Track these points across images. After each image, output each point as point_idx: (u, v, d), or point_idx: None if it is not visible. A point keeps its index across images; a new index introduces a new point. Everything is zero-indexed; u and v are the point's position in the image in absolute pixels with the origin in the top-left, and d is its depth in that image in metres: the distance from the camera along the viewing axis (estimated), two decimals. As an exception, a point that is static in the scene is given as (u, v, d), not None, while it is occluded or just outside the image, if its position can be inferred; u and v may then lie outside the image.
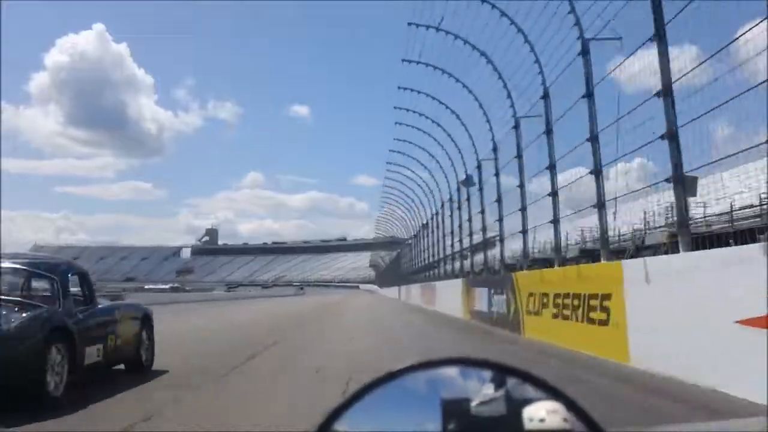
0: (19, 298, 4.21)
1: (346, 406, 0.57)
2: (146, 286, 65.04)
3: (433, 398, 0.56)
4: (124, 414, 3.69)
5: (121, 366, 5.19)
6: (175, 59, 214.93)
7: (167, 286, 64.11)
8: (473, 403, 0.56)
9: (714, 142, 5.03)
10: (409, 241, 33.07)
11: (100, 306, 4.95)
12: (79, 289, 4.63)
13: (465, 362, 0.59)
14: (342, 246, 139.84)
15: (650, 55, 5.83)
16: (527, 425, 0.55)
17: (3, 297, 4.02)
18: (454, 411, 0.56)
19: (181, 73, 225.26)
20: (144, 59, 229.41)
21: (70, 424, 3.48)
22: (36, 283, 4.61)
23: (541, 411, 0.55)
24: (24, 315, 3.84)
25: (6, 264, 4.33)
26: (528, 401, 0.56)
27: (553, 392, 0.56)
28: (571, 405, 0.56)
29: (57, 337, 3.90)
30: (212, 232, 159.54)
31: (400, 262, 39.93)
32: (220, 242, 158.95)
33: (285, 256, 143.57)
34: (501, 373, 0.58)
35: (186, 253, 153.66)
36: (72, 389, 4.01)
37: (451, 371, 0.59)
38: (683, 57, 5.51)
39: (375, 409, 0.56)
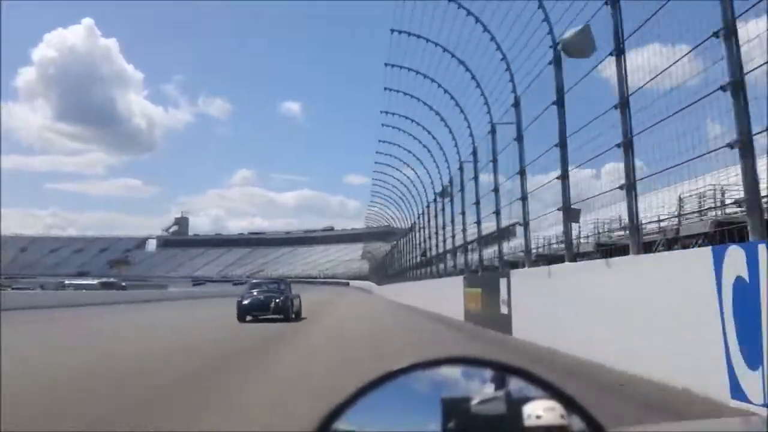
0: (278, 290, 16.00)
1: (347, 404, 0.62)
2: (67, 281, 50.85)
3: (434, 397, 0.63)
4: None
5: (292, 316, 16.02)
6: (164, 54, 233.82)
7: (95, 282, 50.51)
8: (473, 402, 0.63)
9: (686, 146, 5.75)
10: (409, 231, 32.11)
11: (292, 293, 16.33)
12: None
13: (465, 361, 0.65)
14: (329, 237, 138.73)
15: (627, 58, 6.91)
16: (526, 423, 0.61)
17: (275, 290, 16.21)
18: (454, 410, 0.62)
19: (170, 68, 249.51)
20: (133, 54, 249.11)
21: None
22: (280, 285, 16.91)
23: (539, 409, 0.61)
24: (283, 296, 15.55)
25: (273, 280, 19.34)
26: (528, 399, 0.62)
27: (552, 390, 0.63)
28: (570, 403, 0.62)
29: (290, 302, 15.61)
30: (182, 221, 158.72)
31: (399, 254, 38.24)
32: (191, 233, 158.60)
33: (264, 248, 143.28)
34: (501, 371, 0.64)
35: (152, 245, 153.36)
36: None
37: (452, 370, 0.65)
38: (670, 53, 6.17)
39: (375, 408, 0.62)
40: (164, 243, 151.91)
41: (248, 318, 15.09)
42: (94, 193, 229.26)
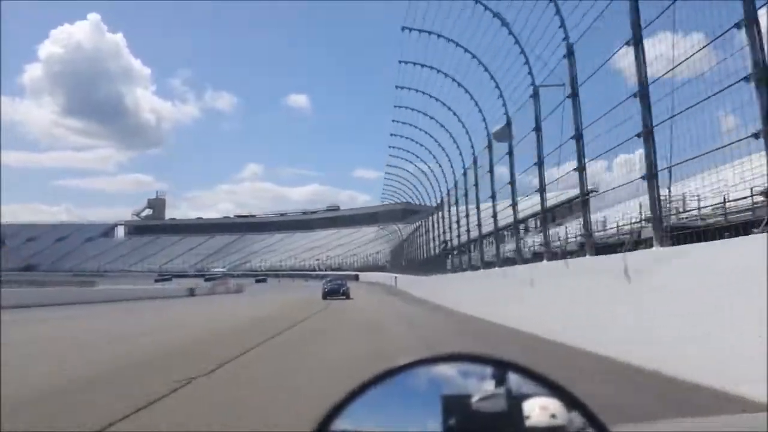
0: (342, 284, 37.37)
1: (346, 403, 0.77)
2: None
3: (433, 395, 0.76)
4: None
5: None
6: (171, 49, 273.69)
7: None
8: (474, 399, 0.76)
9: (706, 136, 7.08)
10: (437, 208, 30.83)
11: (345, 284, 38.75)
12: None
13: (465, 358, 0.79)
14: (334, 220, 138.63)
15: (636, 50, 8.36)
16: (527, 421, 0.75)
17: (341, 284, 38.12)
18: (455, 407, 0.76)
19: (176, 63, 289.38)
20: (140, 50, 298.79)
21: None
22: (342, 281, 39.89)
23: (537, 406, 0.75)
24: (345, 287, 36.62)
25: (338, 277, 47.42)
26: (528, 397, 0.76)
27: (553, 387, 0.77)
28: (571, 400, 0.76)
29: (347, 288, 36.92)
30: (157, 204, 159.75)
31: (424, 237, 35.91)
32: (167, 217, 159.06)
33: (254, 234, 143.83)
34: (501, 368, 0.78)
35: (121, 232, 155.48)
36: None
37: (450, 368, 0.79)
38: (683, 43, 7.58)
39: (375, 406, 0.77)
40: (135, 230, 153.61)
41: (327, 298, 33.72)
42: (106, 189, 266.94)
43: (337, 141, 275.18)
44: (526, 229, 19.29)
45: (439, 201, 29.88)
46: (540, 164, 12.78)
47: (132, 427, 4.90)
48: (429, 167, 28.67)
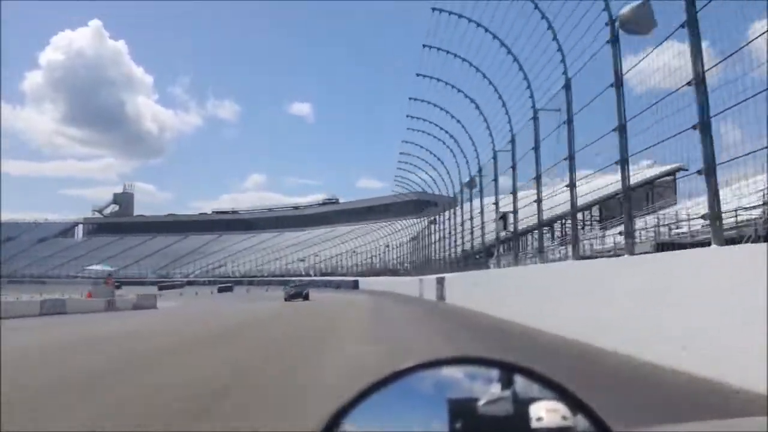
0: (303, 288, 53.43)
1: (353, 404, 0.89)
2: None
3: (440, 398, 0.88)
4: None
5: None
6: (173, 57, 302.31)
7: None
8: (480, 403, 0.87)
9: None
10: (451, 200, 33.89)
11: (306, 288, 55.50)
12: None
13: (471, 361, 0.91)
14: (331, 215, 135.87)
15: (677, 47, 9.92)
16: (538, 422, 0.85)
17: (302, 288, 54.82)
18: (461, 410, 0.87)
19: (178, 70, 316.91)
20: (141, 57, 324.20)
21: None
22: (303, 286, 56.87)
23: (543, 410, 0.86)
24: (305, 291, 51.31)
25: (300, 282, 66.63)
26: (535, 400, 0.87)
27: (559, 390, 0.88)
28: (577, 403, 0.87)
29: (307, 292, 52.06)
30: (124, 199, 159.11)
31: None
32: (136, 213, 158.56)
33: (236, 234, 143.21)
34: (508, 371, 0.90)
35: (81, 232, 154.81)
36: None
37: (457, 371, 0.91)
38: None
39: (381, 408, 0.88)
40: (99, 228, 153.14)
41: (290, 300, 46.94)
42: (106, 198, 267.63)
43: (341, 150, 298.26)
44: (583, 224, 20.83)
45: (458, 189, 32.67)
46: (621, 129, 12.07)
47: None
48: (451, 151, 31.06)
